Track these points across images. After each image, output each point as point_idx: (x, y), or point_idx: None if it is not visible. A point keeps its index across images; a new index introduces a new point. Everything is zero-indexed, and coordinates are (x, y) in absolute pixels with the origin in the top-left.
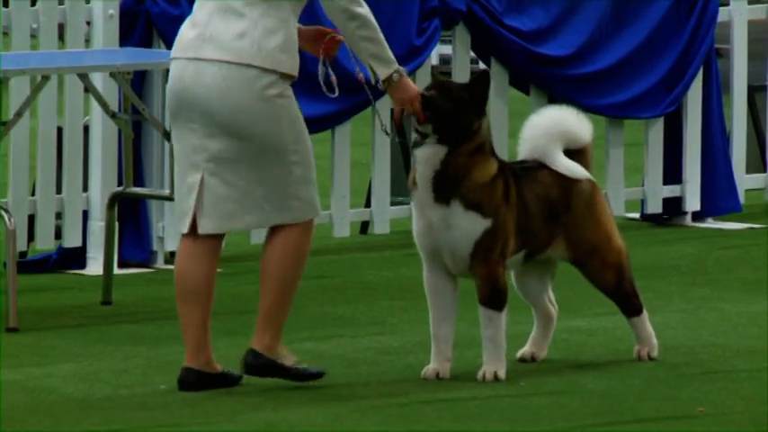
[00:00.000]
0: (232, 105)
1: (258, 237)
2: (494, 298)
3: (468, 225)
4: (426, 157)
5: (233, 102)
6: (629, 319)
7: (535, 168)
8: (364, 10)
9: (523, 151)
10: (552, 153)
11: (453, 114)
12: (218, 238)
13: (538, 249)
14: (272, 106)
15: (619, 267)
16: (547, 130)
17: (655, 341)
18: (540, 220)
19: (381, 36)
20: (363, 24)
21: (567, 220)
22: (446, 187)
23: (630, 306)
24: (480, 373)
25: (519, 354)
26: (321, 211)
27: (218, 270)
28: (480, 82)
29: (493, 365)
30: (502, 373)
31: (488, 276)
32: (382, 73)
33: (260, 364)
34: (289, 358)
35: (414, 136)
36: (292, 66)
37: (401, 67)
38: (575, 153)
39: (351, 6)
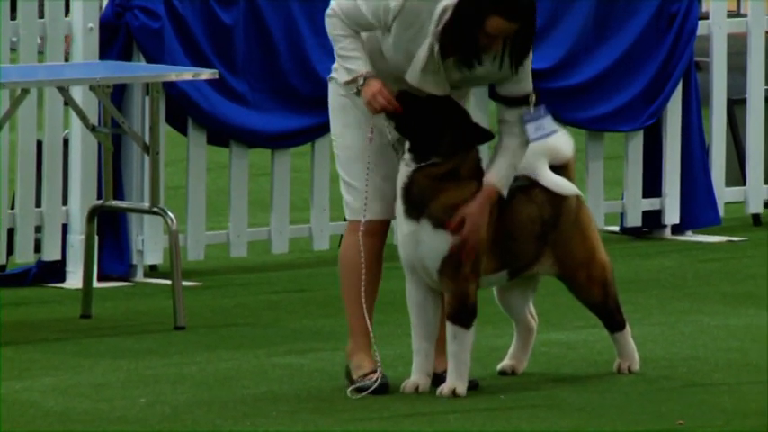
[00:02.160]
0: None
1: (237, 250)
2: (461, 315)
3: (435, 243)
4: (402, 168)
5: None
6: (611, 334)
7: (528, 187)
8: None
9: None
10: (540, 169)
11: (417, 127)
12: None
13: (524, 267)
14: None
15: (604, 282)
16: (532, 147)
17: (636, 356)
18: (529, 240)
19: (340, 47)
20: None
21: (556, 236)
22: (414, 203)
23: (614, 321)
24: (439, 389)
25: (499, 367)
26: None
27: (197, 283)
28: (477, 133)
29: (453, 382)
30: (460, 390)
31: (457, 293)
32: (341, 78)
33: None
34: (358, 369)
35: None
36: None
37: (368, 72)
38: (558, 168)
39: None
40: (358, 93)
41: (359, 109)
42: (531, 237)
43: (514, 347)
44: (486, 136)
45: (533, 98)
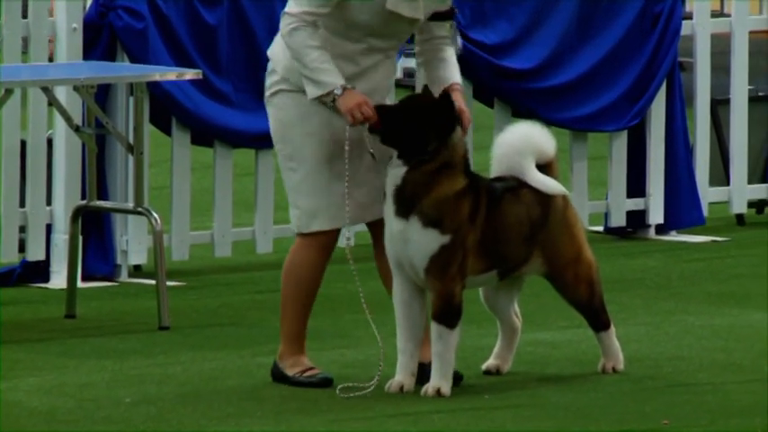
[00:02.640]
0: None
1: (222, 250)
2: (446, 315)
3: (425, 241)
4: (391, 172)
5: None
6: (596, 333)
7: (516, 187)
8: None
9: (499, 170)
10: (528, 169)
11: (401, 134)
12: None
13: (514, 267)
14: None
15: (591, 281)
16: (519, 147)
17: (621, 356)
18: (518, 241)
19: (310, 59)
20: (291, 51)
21: (544, 236)
22: (406, 203)
23: (599, 321)
24: (423, 389)
25: (483, 366)
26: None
27: (182, 283)
28: (441, 106)
29: (437, 382)
30: (445, 390)
31: (443, 293)
32: (311, 93)
33: (271, 371)
34: (294, 367)
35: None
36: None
37: (342, 83)
38: (541, 167)
39: (282, 32)
40: (332, 103)
41: (321, 118)
42: (519, 238)
43: (499, 347)
44: (448, 100)
45: (456, 11)
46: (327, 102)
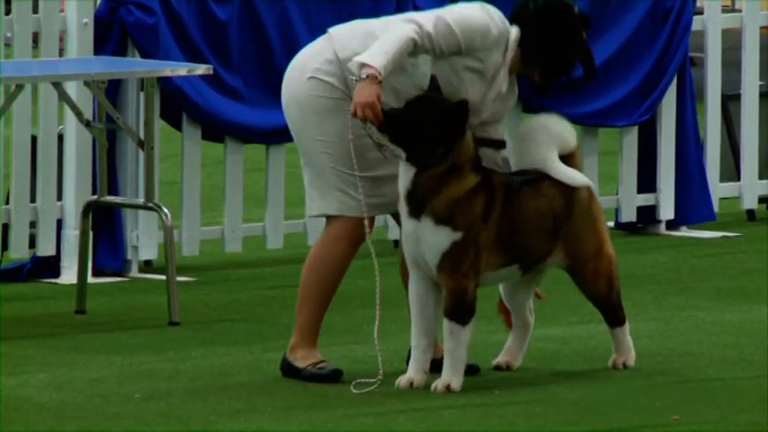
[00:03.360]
0: None
1: (232, 246)
2: (459, 311)
3: (437, 238)
4: (402, 173)
5: None
6: (611, 328)
7: (538, 180)
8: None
9: (521, 163)
10: (552, 161)
11: (413, 136)
12: None
13: (536, 261)
14: None
15: (610, 276)
16: (540, 141)
17: (633, 352)
18: (540, 234)
19: (390, 42)
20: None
21: (568, 229)
22: (418, 204)
23: (615, 316)
24: (434, 385)
25: (494, 362)
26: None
27: (192, 279)
28: (455, 113)
29: (447, 377)
30: (455, 386)
31: (455, 290)
32: (359, 57)
33: (281, 365)
34: (306, 359)
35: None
36: None
37: (380, 75)
38: (563, 158)
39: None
40: (355, 81)
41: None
42: (542, 231)
43: (510, 343)
44: (462, 107)
45: (505, 143)
46: (352, 76)
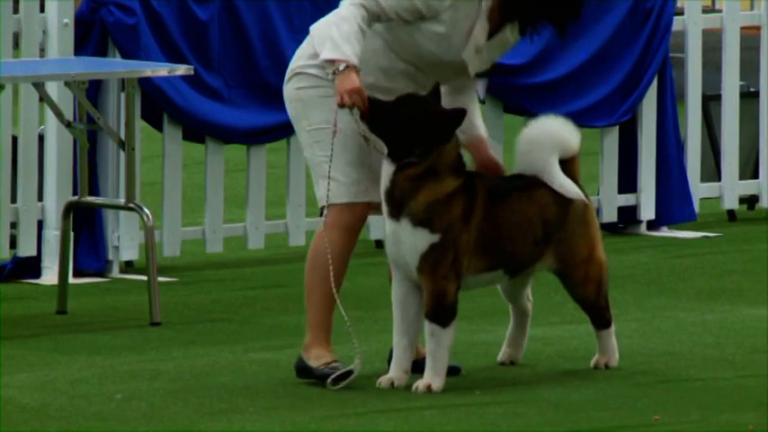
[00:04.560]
0: None
1: (213, 246)
2: (439, 313)
3: (415, 240)
4: (383, 170)
5: None
6: (597, 331)
7: (531, 187)
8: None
9: (520, 165)
10: (550, 168)
11: (391, 130)
12: None
13: (523, 267)
14: None
15: (599, 281)
16: (543, 143)
17: (616, 354)
18: (526, 241)
19: (348, 29)
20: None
21: (560, 236)
22: (396, 204)
23: (602, 319)
24: (415, 385)
25: (498, 358)
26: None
27: (173, 279)
28: (450, 118)
29: (428, 378)
30: (436, 386)
31: (434, 291)
32: (325, 54)
33: (295, 365)
34: (319, 359)
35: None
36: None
37: (353, 63)
38: (564, 162)
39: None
40: (333, 75)
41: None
42: (529, 237)
43: (511, 333)
44: (458, 116)
45: (497, 69)
46: (329, 71)
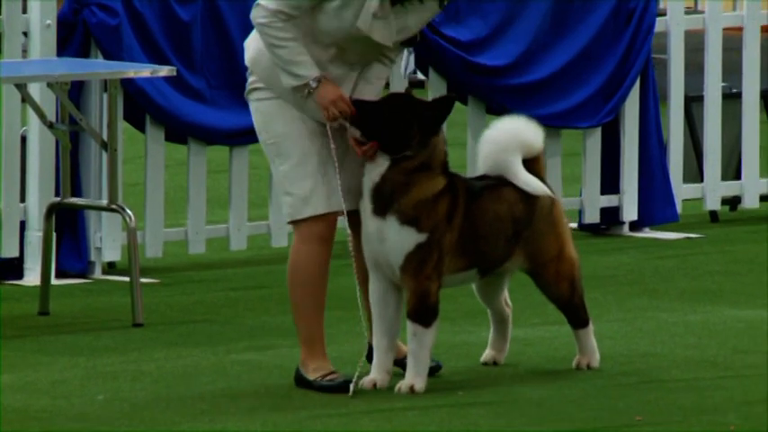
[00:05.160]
0: None
1: (196, 247)
2: (422, 313)
3: (401, 239)
4: (370, 168)
5: None
6: (574, 330)
7: (498, 186)
8: (260, 29)
9: (483, 167)
10: (513, 167)
11: (385, 126)
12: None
13: (495, 266)
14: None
15: (572, 279)
16: (505, 144)
17: (597, 354)
18: (499, 239)
19: (285, 52)
20: (264, 43)
21: (528, 234)
22: (384, 201)
23: (578, 318)
24: (398, 386)
25: (481, 359)
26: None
27: (156, 280)
28: (440, 104)
29: (411, 379)
30: (419, 387)
31: (418, 291)
32: (286, 83)
33: (294, 376)
34: (316, 372)
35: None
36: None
37: (318, 75)
38: (529, 161)
39: (254, 21)
40: (308, 95)
41: (297, 107)
42: (501, 236)
43: (492, 337)
44: (449, 101)
45: (418, 39)
46: (303, 93)
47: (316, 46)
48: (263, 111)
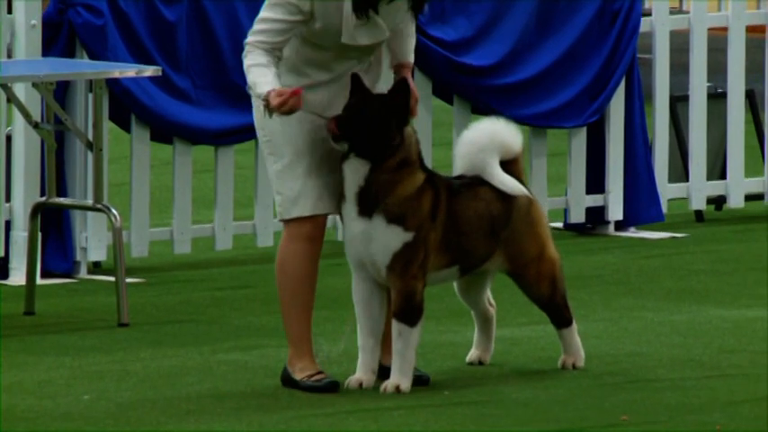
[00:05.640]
0: None
1: (181, 247)
2: (407, 313)
3: (388, 238)
4: (351, 172)
5: None
6: (558, 330)
7: (476, 184)
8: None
9: (460, 167)
10: (490, 168)
11: (370, 131)
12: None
13: (475, 264)
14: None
15: (553, 278)
16: (483, 145)
17: (582, 353)
18: (479, 237)
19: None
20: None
21: (507, 234)
22: (370, 202)
23: (561, 317)
24: (383, 386)
25: (467, 358)
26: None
27: (141, 280)
28: (398, 92)
29: (397, 379)
30: (404, 387)
31: (404, 290)
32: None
33: (281, 376)
34: (303, 371)
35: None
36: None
37: (268, 90)
38: (507, 163)
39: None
40: (270, 113)
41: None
42: (480, 233)
43: (477, 337)
44: (404, 85)
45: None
46: (267, 113)
47: (317, 50)
48: (260, 108)
